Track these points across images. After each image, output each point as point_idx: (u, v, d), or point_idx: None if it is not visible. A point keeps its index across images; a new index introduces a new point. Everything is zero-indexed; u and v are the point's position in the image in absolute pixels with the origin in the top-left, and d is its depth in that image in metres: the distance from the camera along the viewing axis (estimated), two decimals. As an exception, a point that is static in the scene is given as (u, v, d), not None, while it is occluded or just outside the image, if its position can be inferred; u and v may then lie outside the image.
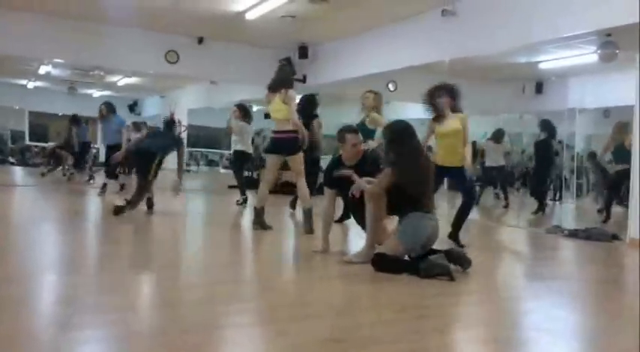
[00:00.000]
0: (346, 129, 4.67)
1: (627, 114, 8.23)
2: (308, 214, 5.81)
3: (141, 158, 6.84)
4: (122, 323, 2.67)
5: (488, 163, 11.25)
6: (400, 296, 3.57)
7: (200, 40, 11.68)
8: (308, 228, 5.75)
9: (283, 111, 5.85)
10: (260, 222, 5.92)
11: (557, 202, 12.31)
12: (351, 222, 6.32)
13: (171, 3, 9.36)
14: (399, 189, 4.14)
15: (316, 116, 7.84)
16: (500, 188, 11.76)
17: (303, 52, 11.85)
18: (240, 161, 9.37)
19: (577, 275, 4.93)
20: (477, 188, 11.76)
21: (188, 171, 19.81)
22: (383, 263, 4.01)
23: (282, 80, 6.09)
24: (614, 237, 6.60)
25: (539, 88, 13.32)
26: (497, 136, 11.25)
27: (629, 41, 7.32)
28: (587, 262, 5.79)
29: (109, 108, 9.76)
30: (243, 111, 9.28)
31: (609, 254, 6.04)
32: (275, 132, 6.01)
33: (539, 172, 10.09)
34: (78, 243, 5.01)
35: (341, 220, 6.47)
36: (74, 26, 10.63)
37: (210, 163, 26.19)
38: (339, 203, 5.15)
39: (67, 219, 6.79)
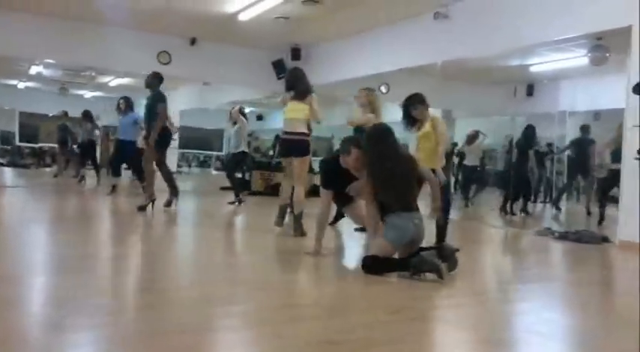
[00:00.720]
0: (353, 142, 4.60)
1: (617, 117, 8.30)
2: (299, 218, 5.75)
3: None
4: (114, 325, 2.66)
5: (465, 163, 11.81)
6: (393, 297, 3.58)
7: (193, 41, 11.68)
8: (299, 231, 5.69)
9: (305, 111, 5.84)
10: (299, 228, 5.72)
11: (548, 204, 12.37)
12: (344, 222, 6.38)
13: (164, 4, 9.35)
14: (380, 192, 4.17)
15: None
16: (475, 188, 12.17)
17: (296, 53, 11.87)
18: (237, 162, 9.47)
19: (568, 277, 4.96)
20: (473, 188, 11.95)
21: (179, 172, 19.76)
22: (373, 265, 4.02)
23: (308, 87, 6.04)
24: (604, 240, 6.65)
25: (530, 90, 13.41)
26: (470, 138, 11.62)
27: (619, 44, 7.40)
28: (577, 264, 5.83)
29: (127, 103, 9.68)
30: (243, 113, 9.48)
31: (599, 256, 6.08)
32: (287, 133, 5.94)
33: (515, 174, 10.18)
34: (72, 243, 4.98)
35: (335, 222, 6.48)
36: (66, 26, 10.60)
37: (202, 164, 26.15)
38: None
39: (70, 219, 6.76)
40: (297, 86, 5.98)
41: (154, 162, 7.39)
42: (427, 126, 5.19)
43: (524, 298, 3.89)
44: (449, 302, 3.60)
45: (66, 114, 14.44)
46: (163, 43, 11.52)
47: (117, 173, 9.56)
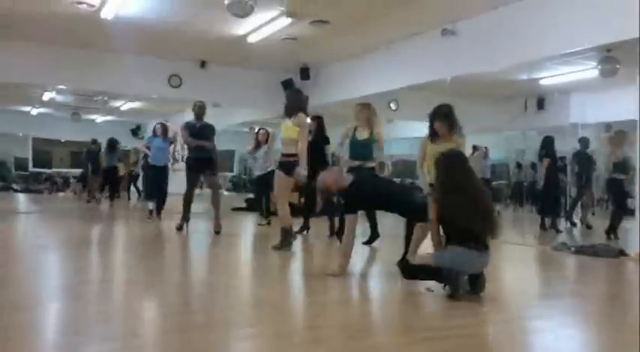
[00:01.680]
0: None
1: (629, 129, 8.24)
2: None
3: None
4: (128, 350, 2.65)
5: None
6: (409, 318, 3.55)
7: (202, 64, 11.80)
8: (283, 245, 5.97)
9: (290, 131, 6.06)
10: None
11: (563, 219, 12.24)
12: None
13: (174, 28, 9.46)
14: (447, 219, 4.05)
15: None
16: None
17: (305, 73, 11.94)
18: (267, 184, 9.48)
19: (586, 293, 4.88)
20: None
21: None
22: (411, 270, 4.06)
23: (295, 104, 6.27)
24: (621, 253, 6.55)
25: (540, 104, 13.35)
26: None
27: (629, 56, 7.37)
28: (595, 279, 5.74)
29: (164, 129, 10.00)
30: (268, 135, 9.87)
31: (617, 270, 5.99)
32: (284, 155, 6.19)
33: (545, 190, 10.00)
34: (88, 268, 4.99)
35: (369, 242, 6.63)
36: (77, 53, 10.77)
37: (214, 186, 26.09)
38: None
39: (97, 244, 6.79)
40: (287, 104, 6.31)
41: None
42: (451, 145, 5.10)
43: (543, 315, 3.82)
44: (465, 321, 3.55)
45: (95, 141, 15.36)
46: (174, 67, 11.65)
47: (152, 197, 9.70)
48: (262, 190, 9.61)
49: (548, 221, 9.70)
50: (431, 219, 4.16)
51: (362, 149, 6.46)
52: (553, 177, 9.86)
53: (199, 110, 7.82)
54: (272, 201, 9.16)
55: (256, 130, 10.13)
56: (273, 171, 9.24)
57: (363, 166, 6.35)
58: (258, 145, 9.63)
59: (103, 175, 13.69)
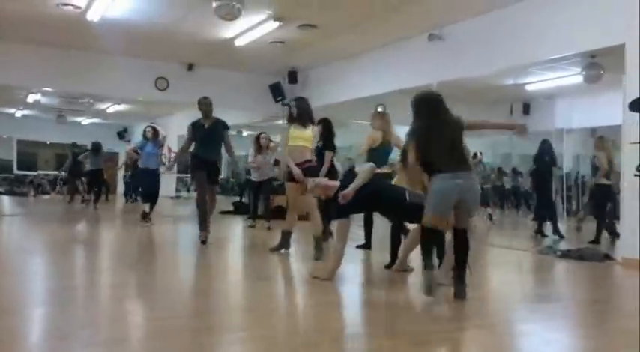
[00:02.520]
0: None
1: (613, 134, 8.33)
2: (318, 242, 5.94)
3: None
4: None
5: None
6: (398, 321, 3.55)
7: (190, 67, 11.76)
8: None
9: (308, 140, 6.11)
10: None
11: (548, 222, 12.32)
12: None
13: (161, 31, 9.42)
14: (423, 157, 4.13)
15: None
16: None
17: (293, 77, 11.95)
18: (273, 188, 9.70)
19: (572, 297, 4.92)
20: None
21: (178, 197, 19.71)
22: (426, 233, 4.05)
23: (310, 113, 6.29)
24: (607, 257, 6.62)
25: (526, 109, 13.45)
26: None
27: (613, 62, 7.47)
28: (581, 283, 5.78)
29: (155, 131, 9.79)
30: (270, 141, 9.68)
31: (602, 274, 6.04)
32: (302, 162, 6.04)
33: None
34: (74, 271, 4.95)
35: (365, 246, 6.63)
36: (63, 55, 10.68)
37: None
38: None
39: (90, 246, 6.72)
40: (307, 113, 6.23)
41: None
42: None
43: (529, 319, 3.85)
44: (453, 325, 3.56)
45: (75, 144, 15.57)
46: (161, 69, 11.60)
47: (148, 199, 9.45)
48: (258, 195, 9.63)
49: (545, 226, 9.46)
50: (410, 161, 4.31)
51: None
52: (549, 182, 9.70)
53: (206, 107, 7.08)
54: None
55: (256, 135, 9.75)
56: (272, 178, 9.42)
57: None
58: (259, 150, 9.35)
59: (88, 178, 13.87)
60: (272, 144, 9.58)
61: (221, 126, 7.04)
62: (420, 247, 4.17)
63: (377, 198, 4.71)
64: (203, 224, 6.73)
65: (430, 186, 4.08)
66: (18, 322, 3.21)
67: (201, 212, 6.74)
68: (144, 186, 9.81)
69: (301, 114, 6.14)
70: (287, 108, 6.47)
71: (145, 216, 9.11)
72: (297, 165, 5.97)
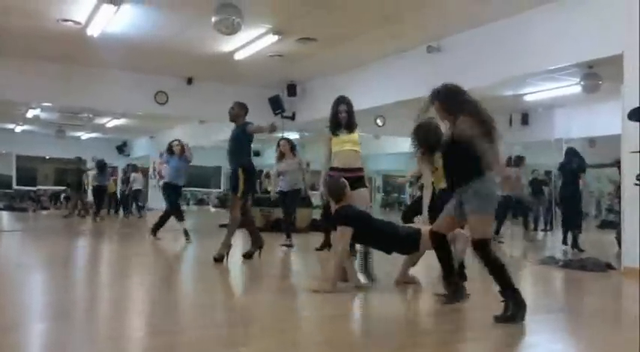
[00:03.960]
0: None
1: (612, 143, 8.34)
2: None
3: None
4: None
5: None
6: (400, 333, 3.52)
7: (189, 81, 11.80)
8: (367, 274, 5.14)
9: (357, 145, 5.37)
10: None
11: (549, 232, 12.32)
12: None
13: (160, 45, 9.47)
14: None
15: None
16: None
17: (292, 89, 11.99)
18: (295, 200, 8.67)
19: (574, 307, 4.89)
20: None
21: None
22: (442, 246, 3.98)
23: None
24: (609, 267, 6.59)
25: (525, 119, 13.51)
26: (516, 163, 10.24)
27: (610, 72, 7.50)
28: (583, 293, 5.75)
29: (182, 146, 9.28)
30: (292, 145, 8.77)
31: (604, 284, 6.01)
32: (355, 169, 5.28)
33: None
34: (78, 287, 4.92)
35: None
36: (62, 69, 10.72)
37: (200, 202, 26.12)
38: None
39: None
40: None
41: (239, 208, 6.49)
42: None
43: (532, 330, 3.82)
44: (453, 336, 3.54)
45: (80, 159, 15.92)
46: (160, 84, 11.63)
47: (182, 217, 9.04)
48: (294, 207, 8.62)
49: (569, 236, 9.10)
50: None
51: None
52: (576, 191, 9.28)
53: (229, 115, 6.97)
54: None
55: (277, 141, 9.00)
56: (299, 190, 8.43)
57: None
58: (281, 157, 8.59)
59: (94, 194, 14.41)
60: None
61: (240, 130, 6.68)
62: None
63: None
64: (225, 237, 6.38)
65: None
66: (19, 339, 3.18)
67: (229, 226, 6.51)
68: (172, 202, 9.09)
69: (350, 116, 5.41)
70: (333, 112, 5.49)
71: (186, 234, 8.68)
72: (346, 172, 5.14)
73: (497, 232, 9.56)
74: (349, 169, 5.17)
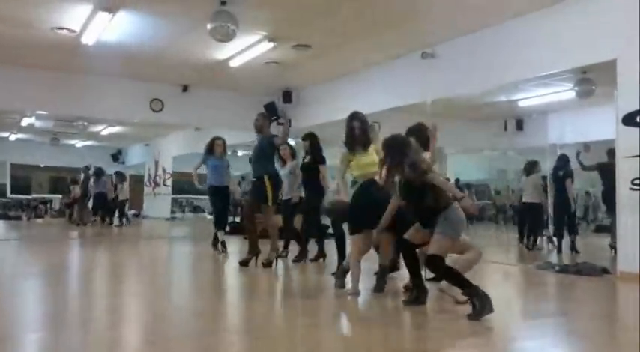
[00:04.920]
0: None
1: (606, 148, 8.39)
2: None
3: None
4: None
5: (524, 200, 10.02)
6: (400, 339, 3.52)
7: (185, 88, 11.81)
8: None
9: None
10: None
11: (545, 238, 12.33)
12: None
13: (155, 53, 9.47)
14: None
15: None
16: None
17: (288, 96, 12.02)
18: (294, 208, 7.76)
19: (572, 312, 4.89)
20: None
21: (173, 218, 19.63)
22: (439, 264, 4.10)
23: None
24: (605, 271, 6.61)
25: (519, 124, 13.58)
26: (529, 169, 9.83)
27: (604, 77, 7.55)
28: (580, 298, 5.76)
29: (225, 145, 8.53)
30: (292, 151, 7.94)
31: (601, 288, 6.03)
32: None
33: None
34: (70, 297, 4.89)
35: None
36: (57, 77, 10.70)
37: (196, 210, 26.05)
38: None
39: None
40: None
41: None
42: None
43: (529, 335, 3.82)
44: (453, 342, 3.53)
45: (87, 167, 16.23)
46: (155, 91, 11.63)
47: (222, 225, 8.29)
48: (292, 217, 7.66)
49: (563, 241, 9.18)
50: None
51: None
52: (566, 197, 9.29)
53: (255, 126, 6.92)
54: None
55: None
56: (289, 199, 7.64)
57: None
58: (284, 163, 7.72)
59: (93, 202, 15.12)
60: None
61: (267, 142, 6.78)
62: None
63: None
64: (249, 246, 6.56)
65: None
66: (12, 349, 3.16)
67: (248, 233, 6.73)
68: (216, 208, 8.45)
69: (364, 133, 5.21)
70: (348, 129, 5.28)
71: (222, 245, 8.04)
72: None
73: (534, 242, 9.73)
74: None
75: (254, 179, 6.75)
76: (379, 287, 4.91)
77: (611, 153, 8.97)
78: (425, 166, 4.14)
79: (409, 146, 4.31)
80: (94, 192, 15.15)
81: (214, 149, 8.32)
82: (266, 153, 6.75)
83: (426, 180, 4.06)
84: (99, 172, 15.20)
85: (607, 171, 8.78)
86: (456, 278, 4.07)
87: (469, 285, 3.95)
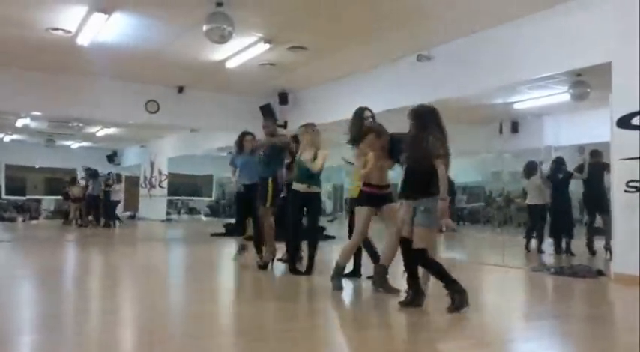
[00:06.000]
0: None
1: (602, 150, 8.42)
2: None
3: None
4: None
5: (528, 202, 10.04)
6: (395, 341, 3.52)
7: (180, 89, 11.79)
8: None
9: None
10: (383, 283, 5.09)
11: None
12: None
13: (151, 54, 9.45)
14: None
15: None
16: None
17: (284, 98, 12.01)
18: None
19: (567, 314, 4.91)
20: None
21: (169, 220, 19.59)
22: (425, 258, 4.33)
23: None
24: (599, 273, 6.63)
25: (515, 127, 13.57)
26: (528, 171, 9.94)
27: (599, 80, 7.57)
28: (575, 299, 5.78)
29: (253, 140, 7.56)
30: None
31: (596, 290, 6.05)
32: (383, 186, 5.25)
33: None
34: (66, 298, 4.88)
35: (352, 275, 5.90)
36: (53, 79, 10.68)
37: (191, 211, 26.01)
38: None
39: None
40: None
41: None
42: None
43: (525, 337, 3.83)
44: (448, 345, 3.54)
45: (89, 169, 16.37)
46: (151, 92, 11.61)
47: (243, 230, 7.64)
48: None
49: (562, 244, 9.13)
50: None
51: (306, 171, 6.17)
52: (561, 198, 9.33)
53: (268, 131, 6.98)
54: None
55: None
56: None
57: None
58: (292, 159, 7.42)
59: (87, 203, 15.38)
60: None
61: (280, 145, 6.88)
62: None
63: None
64: (256, 249, 6.94)
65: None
66: (7, 350, 3.15)
67: (266, 236, 6.80)
68: (237, 209, 7.81)
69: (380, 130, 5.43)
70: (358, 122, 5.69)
71: (242, 248, 7.60)
72: (381, 189, 5.19)
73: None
74: (384, 186, 5.26)
75: (260, 179, 6.78)
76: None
77: (594, 153, 9.13)
78: (442, 152, 4.42)
79: (438, 115, 4.71)
80: (89, 193, 15.43)
81: (244, 145, 7.52)
82: (279, 155, 6.87)
83: (432, 164, 4.34)
84: (94, 174, 15.54)
85: (591, 173, 8.91)
86: (440, 273, 4.33)
87: (452, 281, 4.25)
